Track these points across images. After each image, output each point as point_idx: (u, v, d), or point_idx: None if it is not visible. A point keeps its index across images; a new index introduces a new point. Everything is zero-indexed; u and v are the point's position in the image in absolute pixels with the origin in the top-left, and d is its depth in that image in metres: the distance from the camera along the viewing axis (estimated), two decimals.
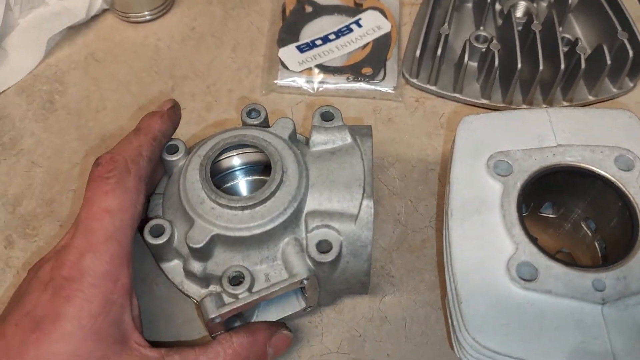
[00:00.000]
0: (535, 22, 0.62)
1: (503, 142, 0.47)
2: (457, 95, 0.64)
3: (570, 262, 0.42)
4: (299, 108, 0.66)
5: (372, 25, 0.69)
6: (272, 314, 0.50)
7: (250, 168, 0.53)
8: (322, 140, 0.49)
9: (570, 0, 0.65)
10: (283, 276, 0.45)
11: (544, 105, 0.63)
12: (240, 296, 0.44)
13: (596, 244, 0.49)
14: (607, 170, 0.45)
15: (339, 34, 0.69)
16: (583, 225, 0.50)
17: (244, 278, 0.44)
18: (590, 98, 0.64)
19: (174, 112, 0.51)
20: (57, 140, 0.64)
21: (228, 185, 0.53)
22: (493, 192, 0.45)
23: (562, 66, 0.59)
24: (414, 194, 0.60)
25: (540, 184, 0.46)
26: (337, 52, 0.67)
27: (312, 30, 0.70)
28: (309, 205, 0.46)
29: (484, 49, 0.63)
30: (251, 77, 0.68)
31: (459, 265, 0.42)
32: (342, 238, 0.45)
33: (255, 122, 0.51)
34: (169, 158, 0.49)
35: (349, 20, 0.70)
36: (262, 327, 0.47)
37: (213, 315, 0.44)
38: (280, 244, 0.46)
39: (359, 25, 0.69)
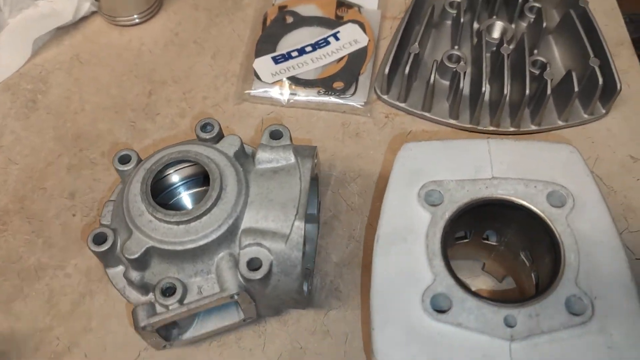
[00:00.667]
0: (504, 45, 0.61)
1: (440, 171, 0.47)
2: (426, 113, 0.65)
3: (487, 297, 0.42)
4: (269, 119, 0.67)
5: (350, 38, 0.70)
6: (212, 324, 0.52)
7: (196, 180, 0.54)
8: (267, 158, 0.50)
9: (545, 24, 0.64)
10: (215, 289, 0.47)
11: (512, 129, 0.63)
12: (171, 307, 0.46)
13: (532, 275, 0.49)
14: (537, 205, 0.45)
15: (315, 46, 0.69)
16: (522, 256, 0.50)
17: (175, 290, 0.46)
18: (560, 123, 0.63)
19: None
20: (35, 139, 0.66)
21: (175, 199, 0.54)
22: (421, 221, 0.45)
23: (527, 91, 0.59)
24: (371, 210, 0.61)
25: (473, 215, 0.46)
26: (311, 64, 0.68)
27: (290, 41, 0.71)
28: (246, 222, 0.47)
29: (454, 69, 0.63)
30: (227, 86, 0.69)
31: (377, 291, 0.43)
32: (272, 257, 0.46)
33: (207, 137, 0.52)
34: (121, 168, 0.51)
35: (327, 33, 0.70)
36: None
37: (143, 324, 0.45)
38: (215, 258, 0.47)
39: (337, 39, 0.70)
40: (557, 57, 0.66)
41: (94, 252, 0.47)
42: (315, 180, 0.56)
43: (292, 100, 0.67)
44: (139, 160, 0.52)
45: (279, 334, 0.55)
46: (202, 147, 0.50)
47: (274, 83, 0.67)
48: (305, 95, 0.67)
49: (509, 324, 0.41)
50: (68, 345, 0.55)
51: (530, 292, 0.49)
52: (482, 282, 0.56)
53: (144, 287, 0.48)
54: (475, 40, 0.66)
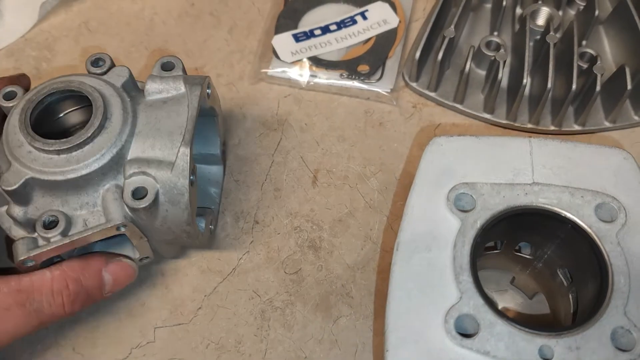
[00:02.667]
0: (551, 33, 0.55)
1: (473, 172, 0.41)
2: (458, 105, 0.59)
3: (522, 321, 0.36)
4: (286, 101, 0.61)
5: (379, 18, 0.64)
6: None
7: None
8: (156, 89, 0.48)
9: (598, 12, 0.57)
10: (101, 222, 0.44)
11: (552, 127, 0.57)
12: (52, 239, 0.43)
13: (570, 296, 0.43)
14: (583, 218, 0.39)
15: (341, 25, 0.64)
16: (560, 273, 0.44)
17: (58, 222, 0.44)
18: (607, 124, 0.57)
19: (18, 78, 0.52)
20: None
21: None
22: (449, 228, 0.40)
23: (574, 86, 0.53)
24: (391, 209, 0.55)
25: (508, 224, 0.41)
26: (335, 44, 0.62)
27: (313, 18, 0.65)
28: (132, 153, 0.46)
29: (492, 58, 0.57)
30: (243, 63, 0.64)
31: (394, 308, 0.38)
32: (158, 186, 0.44)
33: (98, 71, 0.49)
34: (5, 104, 0.48)
35: (354, 11, 0.64)
36: (96, 254, 0.47)
37: (22, 257, 0.43)
38: (100, 190, 0.45)
39: (364, 18, 0.64)
40: (607, 51, 0.60)
41: None
42: (215, 116, 0.53)
43: (312, 83, 0.61)
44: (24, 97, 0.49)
45: (282, 340, 0.50)
46: (88, 77, 0.47)
47: (294, 63, 0.62)
48: (326, 78, 0.61)
49: (544, 356, 0.35)
50: (55, 338, 0.51)
51: (566, 316, 0.43)
52: (510, 299, 0.50)
53: (29, 224, 0.45)
54: (517, 26, 0.60)
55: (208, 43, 0.66)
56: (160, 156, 0.45)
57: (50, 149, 0.43)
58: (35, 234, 0.44)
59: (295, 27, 0.64)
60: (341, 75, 0.61)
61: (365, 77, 0.61)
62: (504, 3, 0.58)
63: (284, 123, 0.60)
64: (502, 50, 0.55)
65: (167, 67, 0.49)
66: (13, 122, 0.45)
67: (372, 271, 0.53)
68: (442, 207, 0.40)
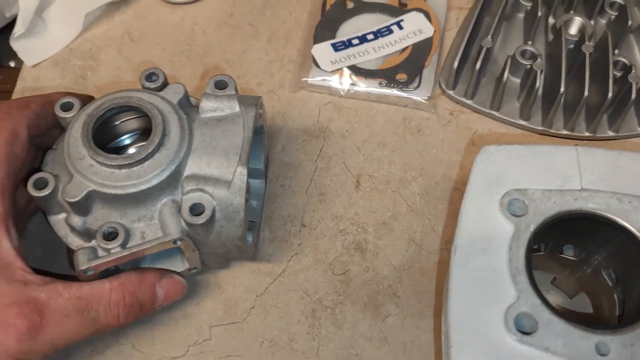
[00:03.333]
0: (586, 43, 0.57)
1: (522, 179, 0.44)
2: (494, 112, 0.61)
3: (574, 319, 0.39)
4: (327, 109, 0.64)
5: (414, 28, 0.66)
6: None
7: (143, 133, 0.54)
8: (211, 107, 0.50)
9: (631, 22, 0.60)
10: (158, 235, 0.47)
11: (587, 134, 0.59)
12: (112, 251, 0.45)
13: (615, 296, 0.45)
14: (633, 223, 0.41)
15: (377, 34, 0.66)
16: (604, 274, 0.47)
17: (117, 233, 0.46)
18: (639, 130, 0.59)
19: (86, 98, 0.53)
20: None
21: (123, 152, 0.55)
22: (503, 232, 0.42)
23: (610, 95, 0.55)
24: (433, 213, 0.58)
25: (558, 228, 0.43)
26: (373, 54, 0.65)
27: (350, 28, 0.67)
28: (189, 169, 0.47)
29: (528, 66, 0.59)
30: (282, 72, 0.66)
31: (455, 306, 0.40)
32: (215, 202, 0.46)
33: (152, 86, 0.51)
34: (62, 115, 0.50)
35: (390, 21, 0.67)
36: (151, 269, 0.49)
37: (84, 267, 0.45)
38: (158, 204, 0.47)
39: (400, 27, 0.66)
40: (638, 59, 0.62)
41: (35, 197, 0.47)
42: (262, 133, 0.55)
43: (351, 91, 0.63)
44: (81, 108, 0.50)
45: (333, 338, 0.53)
46: (146, 93, 0.49)
47: (334, 72, 0.64)
48: (366, 86, 0.63)
49: (601, 352, 0.38)
50: (115, 336, 0.53)
51: (611, 315, 0.46)
52: (551, 298, 0.52)
53: (87, 233, 0.47)
54: (551, 36, 0.62)
55: (248, 52, 0.68)
56: (217, 174, 0.47)
57: (112, 163, 0.45)
58: (94, 243, 0.47)
59: (333, 37, 0.66)
60: (380, 83, 0.63)
61: (403, 85, 0.63)
62: (539, 13, 0.61)
63: (325, 130, 0.62)
64: (539, 60, 0.58)
65: (220, 85, 0.51)
66: (74, 134, 0.47)
67: (417, 272, 0.55)
68: (495, 213, 0.43)
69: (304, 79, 0.64)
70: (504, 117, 0.61)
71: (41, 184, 0.47)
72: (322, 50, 0.65)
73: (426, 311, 0.53)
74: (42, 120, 0.50)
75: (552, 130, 0.59)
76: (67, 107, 0.50)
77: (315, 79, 0.64)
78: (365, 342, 0.53)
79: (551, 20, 0.64)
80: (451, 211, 0.57)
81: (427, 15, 0.67)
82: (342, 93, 0.64)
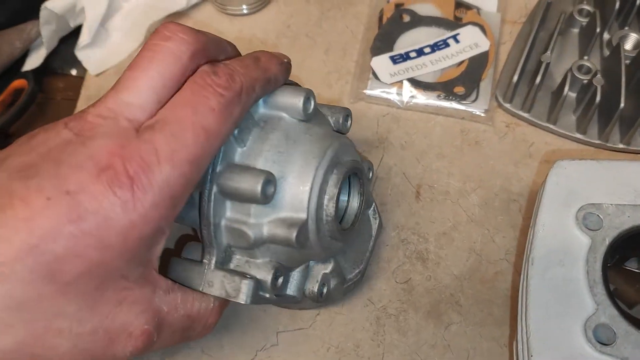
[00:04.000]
0: None
1: (596, 193, 0.45)
2: (551, 125, 0.62)
3: None
4: (385, 120, 0.65)
5: (470, 42, 0.67)
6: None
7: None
8: None
9: None
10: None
11: None
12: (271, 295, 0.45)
13: None
14: None
15: (434, 47, 0.67)
16: None
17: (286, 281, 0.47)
18: None
19: (287, 67, 0.47)
20: None
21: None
22: (580, 245, 0.43)
23: None
24: (492, 223, 0.59)
25: (631, 241, 0.44)
26: (430, 67, 0.66)
27: (407, 41, 0.69)
28: None
29: (585, 81, 0.61)
30: (340, 83, 0.68)
31: (534, 316, 0.41)
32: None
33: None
34: None
35: (446, 34, 0.68)
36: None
37: (247, 301, 0.43)
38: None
39: (457, 41, 0.68)
40: None
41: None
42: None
43: (410, 103, 0.65)
44: None
45: (398, 345, 0.54)
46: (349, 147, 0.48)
47: (393, 84, 0.65)
48: (424, 99, 0.65)
49: None
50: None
51: None
52: None
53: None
54: (606, 51, 0.64)
55: (306, 63, 0.70)
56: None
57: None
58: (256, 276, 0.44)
59: (391, 50, 0.68)
60: (438, 96, 0.65)
61: (461, 98, 0.64)
62: (597, 30, 0.62)
63: (384, 141, 0.64)
64: (598, 75, 0.59)
65: None
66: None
67: (478, 281, 0.57)
68: (571, 226, 0.44)
69: (363, 91, 0.66)
70: (561, 131, 0.62)
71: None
72: (381, 63, 0.67)
73: (487, 319, 0.55)
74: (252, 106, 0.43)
75: (609, 144, 0.61)
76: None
77: (374, 91, 0.66)
78: (429, 349, 0.54)
79: (606, 35, 0.65)
80: (510, 222, 0.59)
81: (483, 29, 0.68)
82: (400, 105, 0.65)
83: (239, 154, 0.42)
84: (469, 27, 0.69)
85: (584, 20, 0.65)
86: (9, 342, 0.32)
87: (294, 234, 0.42)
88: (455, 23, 0.69)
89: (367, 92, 0.66)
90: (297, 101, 0.45)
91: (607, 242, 0.43)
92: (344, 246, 0.49)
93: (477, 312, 0.55)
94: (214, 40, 0.42)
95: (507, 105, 0.64)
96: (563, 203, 0.45)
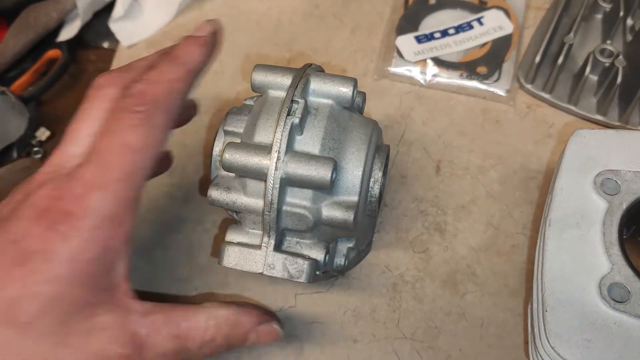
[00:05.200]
0: None
1: (614, 161, 0.46)
2: (571, 107, 0.63)
3: None
4: (408, 97, 0.66)
5: (494, 24, 0.69)
6: None
7: None
8: None
9: None
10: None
11: None
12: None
13: None
14: None
15: (458, 29, 0.69)
16: None
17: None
18: None
19: (214, 39, 0.46)
20: None
21: None
22: (597, 209, 0.44)
23: None
24: (511, 199, 0.60)
25: None
26: (454, 47, 0.67)
27: (432, 23, 0.70)
28: None
29: (607, 64, 0.61)
30: (366, 61, 0.69)
31: (550, 274, 0.42)
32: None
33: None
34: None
35: (470, 17, 0.70)
36: (253, 312, 0.45)
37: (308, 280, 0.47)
38: None
39: (481, 23, 0.69)
40: None
41: None
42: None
43: (433, 81, 0.66)
44: None
45: (413, 311, 0.55)
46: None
47: (417, 62, 0.67)
48: (447, 77, 0.66)
49: None
50: (205, 295, 0.56)
51: None
52: None
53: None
54: (629, 36, 0.64)
55: (332, 42, 0.71)
56: None
57: None
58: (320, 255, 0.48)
59: (416, 30, 0.69)
60: (461, 75, 0.66)
61: (483, 77, 0.66)
62: (621, 14, 0.63)
63: (406, 117, 0.65)
64: (620, 57, 0.60)
65: None
66: None
67: (494, 253, 0.57)
68: (589, 190, 0.45)
69: (387, 68, 0.67)
70: (581, 112, 0.63)
71: None
72: (406, 42, 0.68)
73: (503, 290, 0.56)
74: (184, 101, 0.43)
75: (629, 126, 0.61)
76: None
77: (398, 68, 0.67)
78: (444, 317, 0.55)
79: (629, 21, 0.66)
80: (528, 198, 0.60)
81: (507, 13, 0.69)
82: (423, 83, 0.66)
83: (298, 142, 0.45)
84: (494, 11, 0.70)
85: (607, 6, 0.66)
86: None
87: (352, 216, 0.45)
88: (479, 6, 0.71)
89: (391, 69, 0.67)
90: (348, 90, 0.47)
91: (624, 206, 0.44)
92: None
93: (493, 282, 0.56)
94: (137, 67, 0.44)
95: (529, 86, 0.65)
96: (581, 169, 0.46)
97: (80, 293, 0.36)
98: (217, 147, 0.48)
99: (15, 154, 0.67)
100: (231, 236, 0.48)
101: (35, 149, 0.68)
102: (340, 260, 0.51)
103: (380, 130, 0.51)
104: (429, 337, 0.54)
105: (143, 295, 0.41)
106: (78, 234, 0.36)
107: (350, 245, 0.51)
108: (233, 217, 0.49)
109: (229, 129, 0.48)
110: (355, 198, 0.45)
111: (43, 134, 0.68)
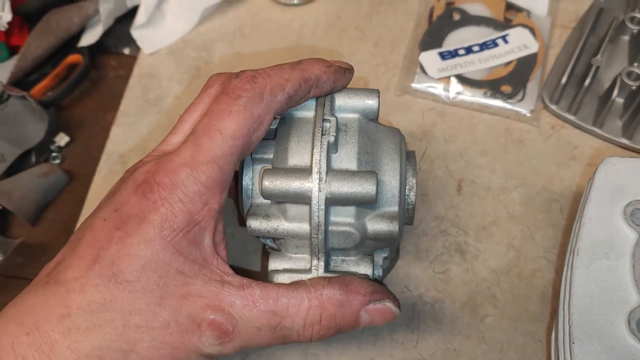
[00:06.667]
0: None
1: None
2: (596, 129, 0.62)
3: None
4: (430, 114, 0.66)
5: (519, 43, 0.68)
6: None
7: None
8: None
9: None
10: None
11: None
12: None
13: None
14: None
15: (483, 46, 0.68)
16: None
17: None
18: None
19: (342, 72, 0.47)
20: None
21: None
22: (626, 239, 0.44)
23: None
24: (532, 221, 0.59)
25: None
26: (478, 64, 0.67)
27: (456, 39, 0.70)
28: None
29: (634, 87, 0.61)
30: (388, 76, 0.69)
31: (577, 305, 0.42)
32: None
33: None
34: None
35: (495, 35, 0.69)
36: (362, 289, 0.43)
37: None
38: None
39: (506, 41, 0.68)
40: None
41: None
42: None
43: (456, 99, 0.66)
44: None
45: (432, 333, 0.55)
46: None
47: (440, 79, 0.66)
48: (471, 95, 0.65)
49: None
50: None
51: None
52: None
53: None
54: None
55: (354, 55, 0.71)
56: None
57: None
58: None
59: (440, 46, 0.69)
60: (485, 93, 0.65)
61: (507, 97, 0.65)
62: None
63: (428, 134, 0.65)
64: None
65: None
66: None
67: (515, 276, 0.57)
68: (618, 221, 0.44)
69: (410, 84, 0.67)
70: (606, 135, 0.62)
71: None
72: (430, 58, 0.67)
73: (523, 314, 0.55)
74: (291, 103, 0.45)
75: None
76: None
77: (420, 84, 0.67)
78: (463, 340, 0.54)
79: None
80: (550, 221, 0.59)
81: (532, 32, 0.69)
82: (446, 100, 0.66)
83: (334, 160, 0.44)
84: (519, 29, 0.69)
85: (635, 28, 0.65)
86: (100, 340, 0.38)
87: (397, 227, 0.44)
88: (504, 24, 0.70)
89: (414, 85, 0.67)
90: (374, 102, 0.47)
91: None
92: None
93: (513, 306, 0.56)
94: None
95: (553, 107, 0.64)
96: (611, 198, 0.45)
97: (172, 259, 0.39)
98: (247, 177, 0.47)
99: (34, 159, 0.67)
100: (275, 264, 0.47)
101: (54, 154, 0.67)
102: (378, 272, 0.50)
103: (404, 138, 0.50)
104: (448, 359, 0.54)
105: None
106: (166, 203, 0.39)
107: (385, 255, 0.51)
108: (269, 245, 0.49)
109: (257, 156, 0.47)
110: (396, 208, 0.45)
111: (62, 139, 0.68)
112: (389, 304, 0.44)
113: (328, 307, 0.42)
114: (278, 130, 0.48)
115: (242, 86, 0.42)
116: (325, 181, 0.42)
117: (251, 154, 0.47)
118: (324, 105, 0.45)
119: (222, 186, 0.41)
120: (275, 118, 0.48)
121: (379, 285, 0.45)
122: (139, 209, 0.39)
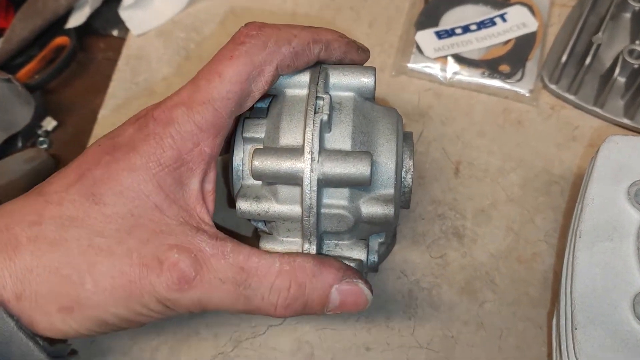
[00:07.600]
0: None
1: None
2: (597, 109, 0.61)
3: None
4: (427, 95, 0.64)
5: (518, 21, 0.66)
6: None
7: None
8: None
9: None
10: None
11: None
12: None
13: None
14: None
15: (481, 25, 0.66)
16: None
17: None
18: None
19: (355, 47, 0.47)
20: None
21: None
22: (630, 221, 0.42)
23: None
24: (532, 204, 0.58)
25: None
26: (475, 44, 0.65)
27: (453, 18, 0.68)
28: None
29: (636, 66, 0.59)
30: (383, 57, 0.67)
31: (580, 289, 0.40)
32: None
33: None
34: None
35: (493, 13, 0.67)
36: (336, 264, 0.42)
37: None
38: None
39: (504, 20, 0.66)
40: None
41: None
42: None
43: (453, 79, 0.64)
44: None
45: (429, 319, 0.53)
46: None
47: (437, 59, 0.64)
48: (468, 75, 0.64)
49: None
50: None
51: None
52: None
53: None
54: None
55: (349, 35, 0.67)
56: None
57: None
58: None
59: (436, 25, 0.67)
60: (482, 73, 0.63)
61: (506, 76, 0.63)
62: None
63: (424, 115, 0.63)
64: None
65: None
66: None
67: (515, 261, 0.55)
68: (621, 201, 0.43)
69: (405, 64, 0.65)
70: (607, 115, 0.60)
71: None
72: (426, 38, 0.66)
73: (523, 299, 0.54)
74: (297, 61, 0.43)
75: None
76: None
77: (416, 65, 0.65)
78: (462, 326, 0.53)
79: None
80: (550, 204, 0.58)
81: (531, 10, 0.67)
82: (443, 80, 0.64)
83: (327, 139, 0.43)
84: (517, 7, 0.67)
85: (637, 5, 0.63)
86: (62, 253, 0.39)
87: (392, 210, 0.43)
88: (503, 2, 0.68)
89: (410, 65, 0.65)
90: (370, 80, 0.45)
91: None
92: None
93: (513, 291, 0.54)
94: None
95: (553, 87, 0.62)
96: (614, 178, 0.44)
97: (152, 192, 0.40)
98: (238, 157, 0.45)
99: (20, 144, 0.65)
100: (265, 248, 0.45)
101: (41, 138, 0.65)
102: (373, 257, 0.48)
103: (402, 118, 0.48)
104: (445, 347, 0.52)
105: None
106: (157, 137, 0.40)
107: (381, 240, 0.49)
108: (260, 228, 0.47)
109: (248, 135, 0.45)
110: (391, 191, 0.43)
111: (49, 123, 0.66)
112: (362, 286, 0.42)
113: (299, 275, 0.40)
114: (270, 108, 0.46)
115: (248, 32, 0.42)
116: (318, 161, 0.40)
117: (242, 133, 0.45)
118: (318, 82, 0.44)
119: (217, 129, 0.41)
120: (268, 96, 0.46)
121: (354, 268, 0.43)
122: (131, 139, 0.41)
